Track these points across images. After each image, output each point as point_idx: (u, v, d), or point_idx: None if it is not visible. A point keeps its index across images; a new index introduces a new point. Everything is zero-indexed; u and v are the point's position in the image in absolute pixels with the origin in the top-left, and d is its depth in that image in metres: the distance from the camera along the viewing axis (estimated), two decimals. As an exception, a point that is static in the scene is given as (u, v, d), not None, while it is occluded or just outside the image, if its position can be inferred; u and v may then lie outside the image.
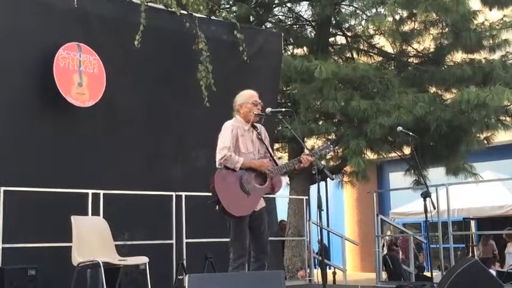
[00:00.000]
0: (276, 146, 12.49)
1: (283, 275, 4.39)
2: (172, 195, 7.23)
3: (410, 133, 6.82)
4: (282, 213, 12.53)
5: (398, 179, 15.56)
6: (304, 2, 12.83)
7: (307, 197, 10.20)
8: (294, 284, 8.79)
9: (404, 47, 12.08)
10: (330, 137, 12.03)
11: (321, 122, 11.67)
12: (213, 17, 8.76)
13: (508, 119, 11.33)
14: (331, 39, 12.74)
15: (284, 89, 11.66)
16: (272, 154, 5.30)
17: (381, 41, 12.57)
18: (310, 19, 12.91)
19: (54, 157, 6.82)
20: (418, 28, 11.59)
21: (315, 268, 9.45)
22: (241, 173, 4.97)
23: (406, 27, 11.63)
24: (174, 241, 7.15)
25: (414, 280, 10.24)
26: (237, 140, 5.07)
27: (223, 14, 9.25)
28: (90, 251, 5.57)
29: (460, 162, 11.60)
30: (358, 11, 11.93)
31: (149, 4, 7.53)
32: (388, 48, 12.43)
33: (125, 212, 7.00)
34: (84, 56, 7.02)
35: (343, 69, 10.33)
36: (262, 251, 5.08)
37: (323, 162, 11.74)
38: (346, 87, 10.62)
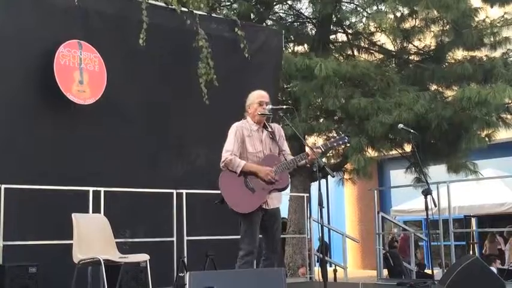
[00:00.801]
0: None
1: (284, 273, 4.39)
2: (173, 192, 7.23)
3: (411, 130, 6.80)
4: (282, 210, 12.51)
5: (399, 176, 15.59)
6: (305, 0, 12.82)
7: (307, 195, 10.20)
8: (295, 282, 8.79)
9: (405, 45, 12.09)
10: (330, 135, 12.04)
11: (321, 120, 11.70)
12: (213, 15, 8.76)
13: (509, 116, 11.33)
14: (331, 37, 12.74)
15: (285, 86, 11.67)
16: (285, 153, 5.25)
17: (381, 39, 12.56)
18: (311, 16, 12.90)
19: (55, 154, 6.82)
20: (419, 25, 11.60)
21: (316, 265, 9.44)
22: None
23: (407, 25, 11.64)
24: (174, 238, 7.15)
25: (415, 277, 10.24)
26: (243, 141, 5.08)
27: (224, 12, 9.25)
28: (91, 249, 5.57)
29: (461, 160, 11.61)
30: (358, 8, 11.93)
31: (150, 1, 7.53)
32: (389, 46, 12.42)
33: (125, 209, 7.00)
34: (85, 54, 7.02)
35: (343, 67, 10.33)
36: (273, 250, 5.08)
37: (324, 159, 11.75)
38: (347, 85, 10.62)
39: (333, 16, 12.02)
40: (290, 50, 12.54)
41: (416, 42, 12.05)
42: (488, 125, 10.90)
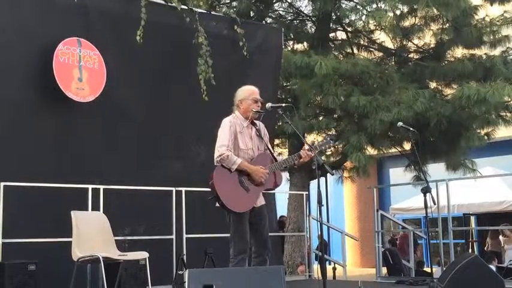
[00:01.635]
0: (276, 141, 12.49)
1: (283, 270, 4.39)
2: (172, 190, 7.23)
3: (411, 128, 6.80)
4: (282, 208, 12.53)
5: (398, 174, 15.58)
6: (305, -2, 12.82)
7: (307, 193, 10.20)
8: (294, 279, 8.80)
9: (404, 43, 12.07)
10: (330, 133, 12.03)
11: (321, 118, 11.68)
12: (213, 12, 8.75)
13: (508, 114, 11.32)
14: (331, 35, 12.72)
15: (284, 84, 11.66)
16: (272, 151, 5.28)
17: (381, 37, 12.55)
18: (311, 14, 12.88)
19: (54, 152, 6.82)
20: (419, 23, 11.58)
21: (315, 263, 9.45)
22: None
23: (407, 23, 11.62)
24: (174, 236, 7.15)
25: (414, 275, 10.24)
26: (235, 137, 5.05)
27: (224, 9, 9.24)
28: (90, 246, 5.57)
29: (460, 158, 11.61)
30: (358, 6, 11.91)
31: (149, -1, 7.53)
32: (389, 44, 12.41)
33: (124, 207, 7.00)
34: (84, 51, 7.01)
35: (343, 65, 10.32)
36: (263, 246, 5.07)
37: (323, 157, 11.75)
38: (347, 83, 10.61)
39: (333, 14, 12.00)
40: (290, 48, 12.53)
41: (415, 40, 12.04)
42: (488, 123, 10.90)
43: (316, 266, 9.05)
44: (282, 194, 11.97)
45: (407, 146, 11.72)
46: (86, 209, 6.47)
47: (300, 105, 10.58)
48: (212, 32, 8.04)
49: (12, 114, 6.60)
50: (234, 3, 11.90)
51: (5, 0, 6.66)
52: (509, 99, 10.67)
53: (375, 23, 11.75)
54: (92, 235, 5.76)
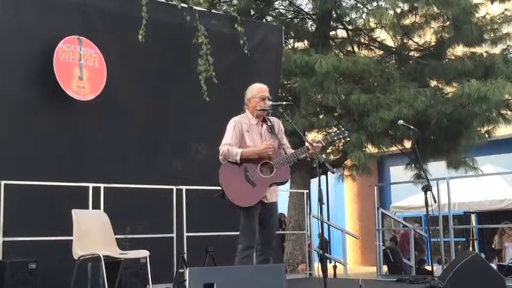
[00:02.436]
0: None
1: (283, 269, 4.39)
2: (172, 188, 7.23)
3: (411, 127, 6.80)
4: (282, 207, 12.53)
5: (399, 172, 15.57)
6: (305, -5, 12.81)
7: (307, 191, 10.21)
8: (295, 278, 8.79)
9: (405, 41, 12.07)
10: (330, 131, 12.02)
11: (321, 116, 11.68)
12: (213, 11, 8.74)
13: (509, 112, 11.32)
14: (331, 33, 12.71)
15: (285, 82, 11.65)
16: (285, 146, 5.25)
17: (381, 35, 12.55)
18: (311, 12, 12.88)
19: (55, 150, 6.82)
20: (419, 22, 11.58)
21: (316, 262, 9.45)
22: (246, 164, 4.96)
23: (407, 21, 11.61)
24: (174, 235, 7.15)
25: (415, 274, 10.24)
26: (242, 135, 5.06)
27: (224, 8, 9.23)
28: (91, 245, 5.57)
29: (460, 156, 11.61)
30: (358, 5, 11.92)
31: (150, -3, 7.52)
32: (389, 42, 12.41)
33: (125, 205, 7.00)
34: (85, 50, 7.00)
35: (343, 63, 10.31)
36: (268, 244, 5.07)
37: (324, 155, 11.74)
38: (347, 81, 10.61)
39: (333, 12, 12.00)
40: (290, 46, 12.52)
41: (416, 39, 12.03)
42: (488, 121, 10.89)
43: (316, 265, 9.06)
44: (283, 192, 11.96)
45: (408, 144, 11.71)
46: (87, 207, 6.47)
47: (301, 103, 10.59)
48: (212, 30, 8.04)
49: (12, 113, 6.60)
50: (234, 1, 11.88)
51: (5, -1, 6.66)
52: (510, 97, 10.66)
53: (375, 21, 11.75)
54: (92, 233, 5.75)
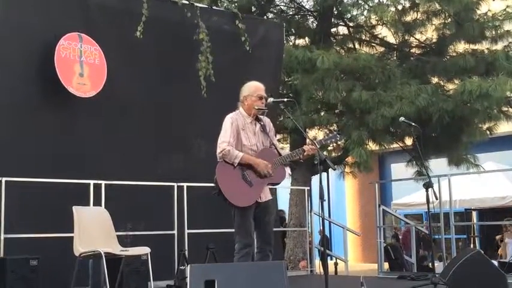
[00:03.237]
0: (278, 136, 12.49)
1: (284, 265, 4.38)
2: (173, 185, 7.23)
3: (413, 124, 6.78)
4: (283, 203, 12.54)
5: (400, 169, 15.58)
6: (306, -7, 12.79)
7: (308, 188, 10.19)
8: (296, 275, 8.79)
9: (406, 38, 12.05)
10: (331, 128, 12.02)
11: (322, 113, 11.67)
12: (214, 7, 8.73)
13: (510, 109, 11.32)
14: (333, 30, 12.70)
15: (286, 79, 11.64)
16: (277, 146, 5.26)
17: (383, 32, 12.53)
18: (312, 9, 12.86)
19: (56, 147, 6.81)
20: (421, 18, 11.55)
21: (317, 259, 9.45)
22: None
23: (409, 18, 11.59)
24: (175, 231, 7.15)
25: (416, 271, 10.24)
26: (238, 133, 5.03)
27: (225, 4, 9.22)
28: (92, 242, 5.57)
29: (462, 153, 11.59)
30: (360, 1, 11.89)
31: (151, -6, 7.51)
32: (390, 39, 12.39)
33: (126, 202, 6.99)
34: (85, 46, 7.00)
35: (345, 60, 10.31)
36: (266, 242, 5.06)
37: (325, 152, 11.74)
38: (348, 78, 10.60)
39: (334, 9, 11.98)
40: (291, 43, 12.51)
41: (417, 35, 12.01)
42: (490, 118, 10.89)
43: (317, 261, 9.06)
44: (284, 189, 11.97)
45: (409, 141, 11.70)
46: (88, 204, 6.47)
47: (302, 100, 10.57)
48: (213, 27, 8.03)
49: (13, 110, 6.60)
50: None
51: (6, -4, 6.66)
52: (511, 94, 10.65)
53: (376, 18, 11.73)
54: (93, 230, 5.75)
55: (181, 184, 7.28)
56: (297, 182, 11.75)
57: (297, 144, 10.66)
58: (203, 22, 7.83)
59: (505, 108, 11.19)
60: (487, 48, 11.28)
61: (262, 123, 5.17)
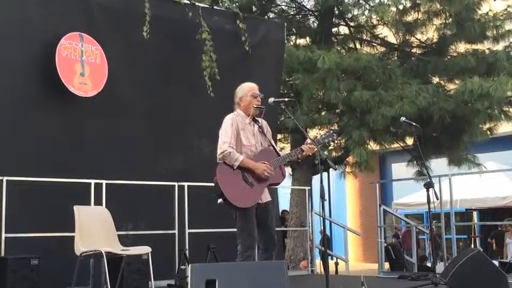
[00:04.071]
0: (279, 136, 12.49)
1: (285, 265, 4.38)
2: (174, 185, 7.23)
3: (414, 123, 6.79)
4: (284, 203, 12.54)
5: (400, 169, 15.58)
6: (307, -8, 12.80)
7: (309, 188, 10.19)
8: (297, 274, 8.79)
9: (407, 37, 12.05)
10: (332, 128, 12.02)
11: (323, 113, 11.67)
12: (215, 7, 8.73)
13: (511, 109, 11.30)
14: (334, 30, 12.70)
15: (286, 79, 11.65)
16: (275, 147, 5.27)
17: (384, 31, 12.53)
18: (313, 9, 12.87)
19: (57, 147, 6.82)
20: (421, 18, 11.56)
21: (317, 258, 9.45)
22: None
23: (409, 18, 11.59)
24: (176, 231, 7.15)
25: (417, 270, 10.24)
26: (238, 133, 5.03)
27: (226, 4, 9.22)
28: (93, 241, 5.57)
29: (462, 153, 11.60)
30: (361, 1, 11.90)
31: (152, -7, 7.51)
32: (391, 39, 12.40)
33: (127, 202, 7.00)
34: (86, 46, 7.00)
35: (346, 60, 10.31)
36: (270, 242, 5.06)
37: (325, 152, 11.74)
38: (349, 78, 10.60)
39: (335, 9, 11.99)
40: (292, 43, 12.51)
41: (418, 35, 12.01)
42: (491, 118, 10.89)
43: (318, 261, 9.06)
44: (285, 189, 11.97)
45: (409, 141, 11.71)
46: (89, 203, 6.48)
47: (303, 100, 10.57)
48: (214, 26, 8.03)
49: (14, 109, 6.60)
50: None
51: (7, -5, 6.66)
52: (512, 94, 10.66)
53: (377, 18, 11.74)
54: (94, 230, 5.76)
55: (182, 184, 7.28)
56: (298, 181, 11.76)
57: (297, 144, 10.61)
58: (204, 22, 7.83)
59: (505, 108, 11.19)
60: (488, 48, 11.29)
61: (259, 124, 5.18)
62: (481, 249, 8.87)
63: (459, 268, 5.63)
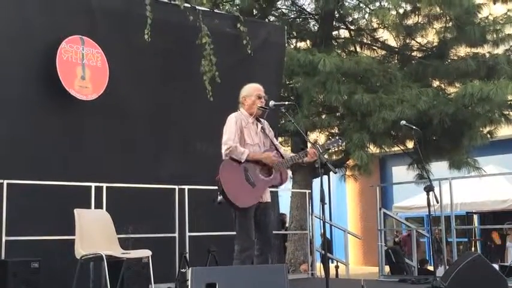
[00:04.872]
0: (279, 139, 12.50)
1: (286, 269, 4.39)
2: (175, 188, 7.23)
3: (414, 127, 6.80)
4: (284, 206, 12.53)
5: (401, 173, 15.59)
6: (308, -5, 12.82)
7: (309, 191, 10.19)
8: (297, 278, 8.79)
9: (407, 41, 12.07)
10: (332, 131, 12.03)
11: (323, 116, 11.68)
12: (216, 10, 8.74)
13: (511, 113, 11.31)
14: (334, 33, 12.72)
15: (287, 82, 11.66)
16: (278, 147, 5.29)
17: (384, 35, 12.55)
18: (314, 12, 12.88)
19: (57, 150, 6.82)
20: (422, 22, 11.58)
21: (318, 262, 9.45)
22: (246, 164, 4.96)
23: (410, 21, 11.61)
24: (176, 234, 7.15)
25: (417, 274, 10.24)
26: (241, 131, 5.06)
27: (226, 7, 9.23)
28: (93, 244, 5.57)
29: (463, 157, 11.60)
30: (361, 5, 11.91)
31: (152, -3, 7.52)
32: (392, 42, 12.41)
33: (127, 205, 7.00)
34: (87, 49, 7.01)
35: (346, 63, 10.32)
36: (266, 244, 5.07)
37: (326, 155, 11.74)
38: (349, 81, 10.61)
39: (336, 12, 12.00)
40: (292, 46, 12.53)
41: (419, 39, 12.03)
42: (491, 122, 10.89)
43: (318, 265, 9.06)
44: (285, 192, 11.97)
45: (410, 144, 11.71)
46: (89, 207, 6.48)
47: (303, 103, 10.58)
48: (215, 30, 8.04)
49: (15, 112, 6.61)
50: (237, 1, 11.88)
51: (8, -1, 6.67)
52: (513, 98, 10.67)
53: (378, 21, 11.76)
54: (95, 233, 5.76)
55: (183, 187, 7.29)
56: (298, 185, 11.76)
57: (298, 147, 10.67)
58: (205, 25, 7.84)
59: (506, 112, 11.20)
60: (488, 52, 11.30)
61: (262, 124, 5.22)
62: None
63: (459, 272, 5.64)
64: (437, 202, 6.56)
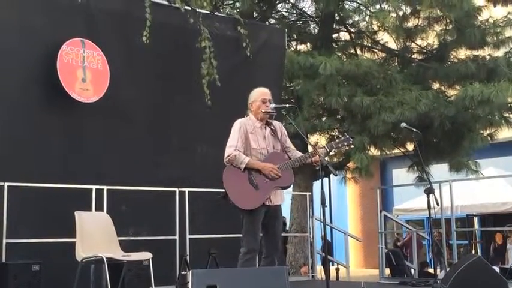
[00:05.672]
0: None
1: (286, 271, 4.39)
2: (175, 191, 7.24)
3: (414, 129, 6.80)
4: (285, 209, 12.52)
5: (401, 175, 15.60)
6: (308, -2, 12.83)
7: (310, 193, 10.20)
8: (297, 280, 8.79)
9: (407, 43, 12.08)
10: (332, 133, 12.03)
11: (324, 118, 11.69)
12: (216, 13, 8.75)
13: (511, 115, 11.32)
14: (334, 35, 12.73)
15: (287, 85, 11.67)
16: (290, 149, 5.27)
17: (384, 37, 12.56)
18: (314, 15, 12.90)
19: (58, 153, 6.82)
20: (422, 24, 11.59)
21: (318, 264, 9.45)
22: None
23: (410, 24, 11.62)
24: (177, 237, 7.16)
25: (417, 276, 10.24)
26: (246, 137, 5.09)
27: (227, 10, 9.24)
28: (94, 247, 5.58)
29: (463, 159, 11.60)
30: (361, 7, 11.92)
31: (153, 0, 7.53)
32: (392, 45, 12.42)
33: (128, 207, 7.00)
34: (88, 52, 7.01)
35: (346, 65, 10.33)
36: (274, 247, 5.09)
37: (326, 158, 11.74)
38: (350, 84, 10.62)
39: (336, 15, 12.02)
40: (293, 49, 12.54)
41: (419, 41, 12.04)
42: (491, 124, 10.90)
43: (319, 267, 9.07)
44: (285, 195, 11.95)
45: (410, 146, 11.72)
46: (90, 209, 6.48)
47: (303, 105, 10.59)
48: (215, 32, 8.04)
49: (16, 115, 6.60)
50: (237, 4, 11.90)
51: (8, 1, 6.67)
52: (513, 100, 10.68)
53: (378, 24, 11.77)
54: (95, 235, 5.76)
55: (183, 189, 7.29)
56: (299, 187, 11.76)
57: (298, 150, 10.64)
58: (205, 28, 7.85)
59: (506, 114, 11.21)
60: (489, 55, 11.31)
61: (272, 127, 5.23)
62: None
63: (460, 274, 5.64)
64: (438, 204, 6.56)
